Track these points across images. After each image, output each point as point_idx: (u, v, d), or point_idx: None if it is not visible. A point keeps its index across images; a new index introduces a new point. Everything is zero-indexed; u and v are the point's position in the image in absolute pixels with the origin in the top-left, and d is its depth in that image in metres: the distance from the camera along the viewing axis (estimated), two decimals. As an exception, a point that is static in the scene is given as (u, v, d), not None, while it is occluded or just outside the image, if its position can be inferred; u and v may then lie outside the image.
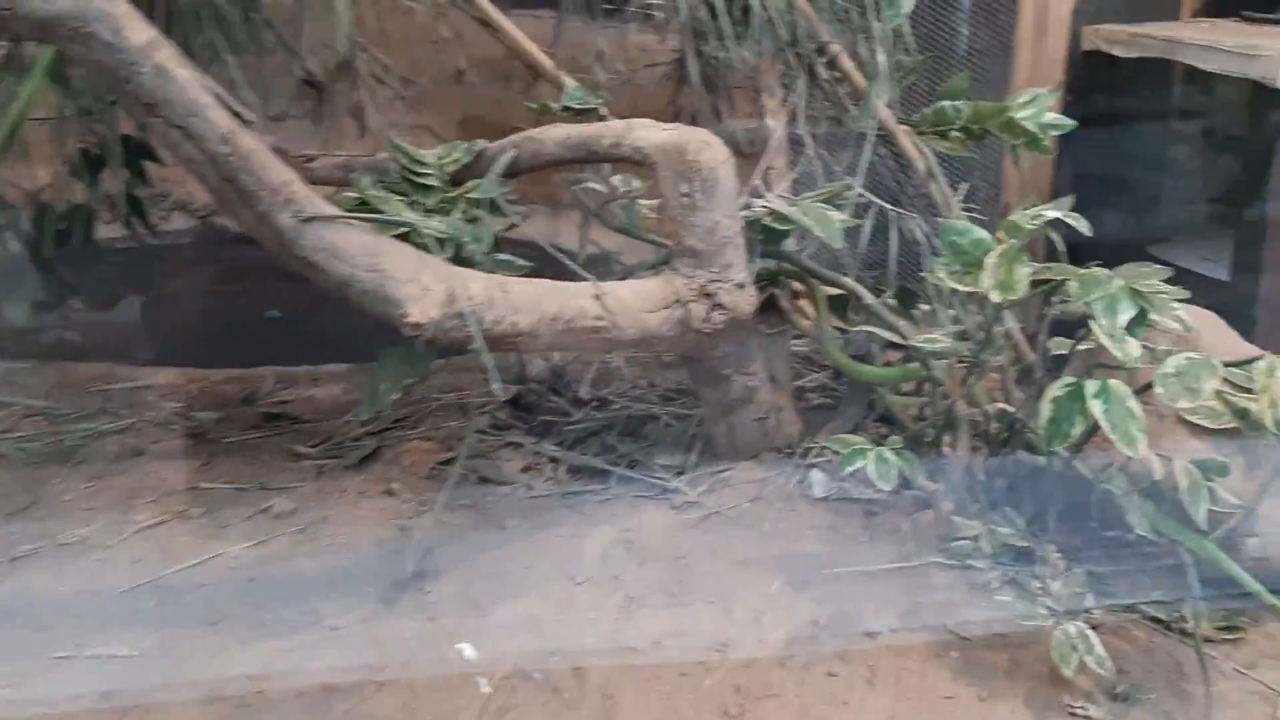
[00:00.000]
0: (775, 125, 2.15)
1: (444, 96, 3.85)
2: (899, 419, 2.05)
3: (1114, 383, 1.55)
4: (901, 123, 2.27)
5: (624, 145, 1.82)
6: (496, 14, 2.64)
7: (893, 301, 2.12)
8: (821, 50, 2.07)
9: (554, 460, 2.23)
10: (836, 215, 1.85)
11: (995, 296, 1.53)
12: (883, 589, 1.80)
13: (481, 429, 2.43)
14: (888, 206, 1.97)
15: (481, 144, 2.01)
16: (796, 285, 2.14)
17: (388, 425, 2.44)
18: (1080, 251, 2.75)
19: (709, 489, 2.06)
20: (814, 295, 2.08)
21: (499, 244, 2.01)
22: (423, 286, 1.54)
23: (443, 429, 2.42)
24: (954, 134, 2.29)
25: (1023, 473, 1.88)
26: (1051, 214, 1.51)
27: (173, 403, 2.61)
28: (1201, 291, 2.38)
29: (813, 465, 2.03)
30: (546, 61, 2.49)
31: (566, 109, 2.07)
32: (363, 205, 1.83)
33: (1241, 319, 2.17)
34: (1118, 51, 2.48)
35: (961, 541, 1.83)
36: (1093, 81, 2.60)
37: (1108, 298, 1.54)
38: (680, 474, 2.08)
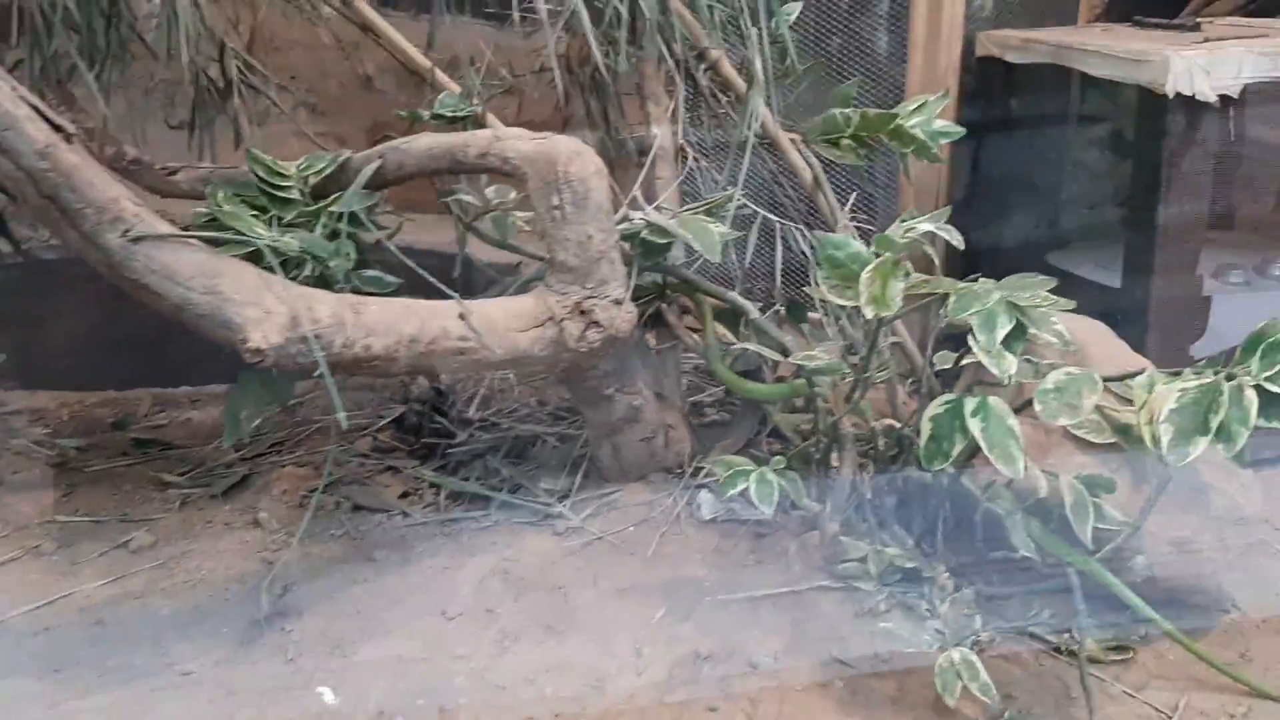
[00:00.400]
0: (660, 134, 2.07)
1: (352, 103, 3.74)
2: (788, 436, 1.99)
3: (993, 400, 1.49)
4: (792, 131, 2.21)
5: (490, 155, 1.73)
6: (377, 18, 2.55)
7: (783, 313, 2.06)
8: (701, 56, 2.00)
9: (434, 485, 2.13)
10: (717, 228, 1.77)
11: (869, 312, 1.46)
12: (768, 616, 1.73)
13: (363, 453, 2.33)
14: (772, 218, 1.91)
15: (346, 154, 1.91)
16: (687, 299, 2.08)
17: (263, 450, 2.33)
18: (981, 259, 2.73)
19: (593, 513, 1.98)
20: (700, 309, 2.01)
21: (366, 260, 1.92)
22: (264, 310, 1.44)
23: (321, 453, 2.31)
24: (845, 142, 2.24)
25: (912, 490, 1.83)
26: (925, 227, 1.45)
27: (40, 429, 2.47)
28: (1095, 298, 2.37)
29: (702, 486, 1.96)
30: (425, 64, 2.40)
31: (438, 117, 1.98)
32: (213, 222, 1.72)
33: (1132, 326, 2.14)
34: (1011, 57, 2.45)
35: (849, 563, 1.77)
36: (988, 88, 2.57)
37: (985, 313, 1.48)
38: (564, 498, 2.00)
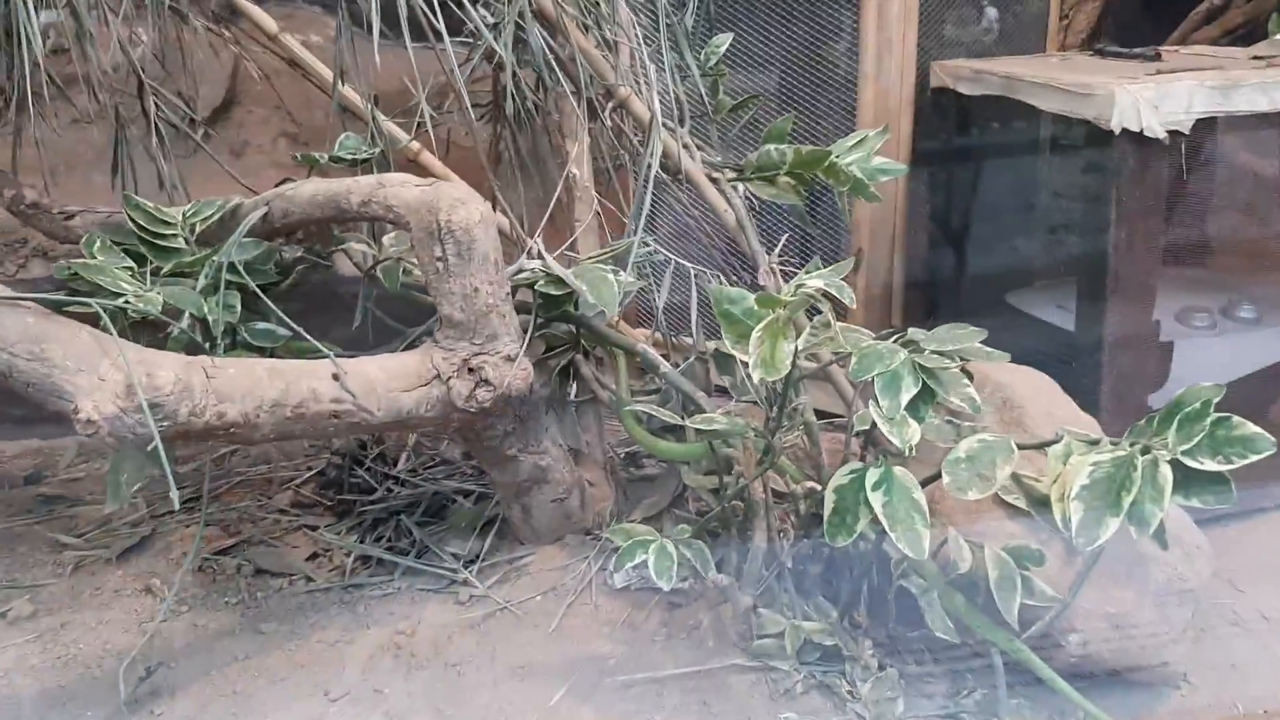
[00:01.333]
0: (578, 173, 1.96)
1: (336, 132, 3.66)
2: (702, 498, 1.86)
3: (899, 471, 1.36)
4: (722, 169, 2.09)
5: (374, 203, 1.62)
6: (301, 52, 2.45)
7: (708, 364, 1.94)
8: (609, 94, 1.88)
9: (346, 546, 2.02)
10: (617, 278, 1.65)
11: (757, 375, 1.34)
12: (675, 698, 1.60)
13: (282, 508, 2.22)
14: (684, 264, 1.79)
15: (235, 200, 1.81)
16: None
17: (175, 507, 2.22)
18: (940, 299, 2.60)
19: (501, 579, 1.86)
20: (613, 360, 1.89)
21: (260, 311, 1.81)
22: (98, 377, 1.33)
23: (234, 509, 2.20)
24: (782, 180, 2.12)
25: (836, 557, 1.69)
26: (814, 284, 1.32)
27: (-52, 483, 2.37)
28: (1052, 342, 2.23)
29: (615, 550, 1.83)
30: (356, 99, 2.30)
31: (337, 160, 1.87)
32: (76, 276, 1.61)
33: (1087, 374, 2.00)
34: (963, 89, 2.32)
35: (765, 639, 1.64)
36: (943, 120, 2.44)
37: (888, 375, 1.35)
38: (471, 563, 1.88)
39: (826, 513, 1.40)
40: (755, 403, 1.75)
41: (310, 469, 2.33)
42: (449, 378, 1.60)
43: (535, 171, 2.24)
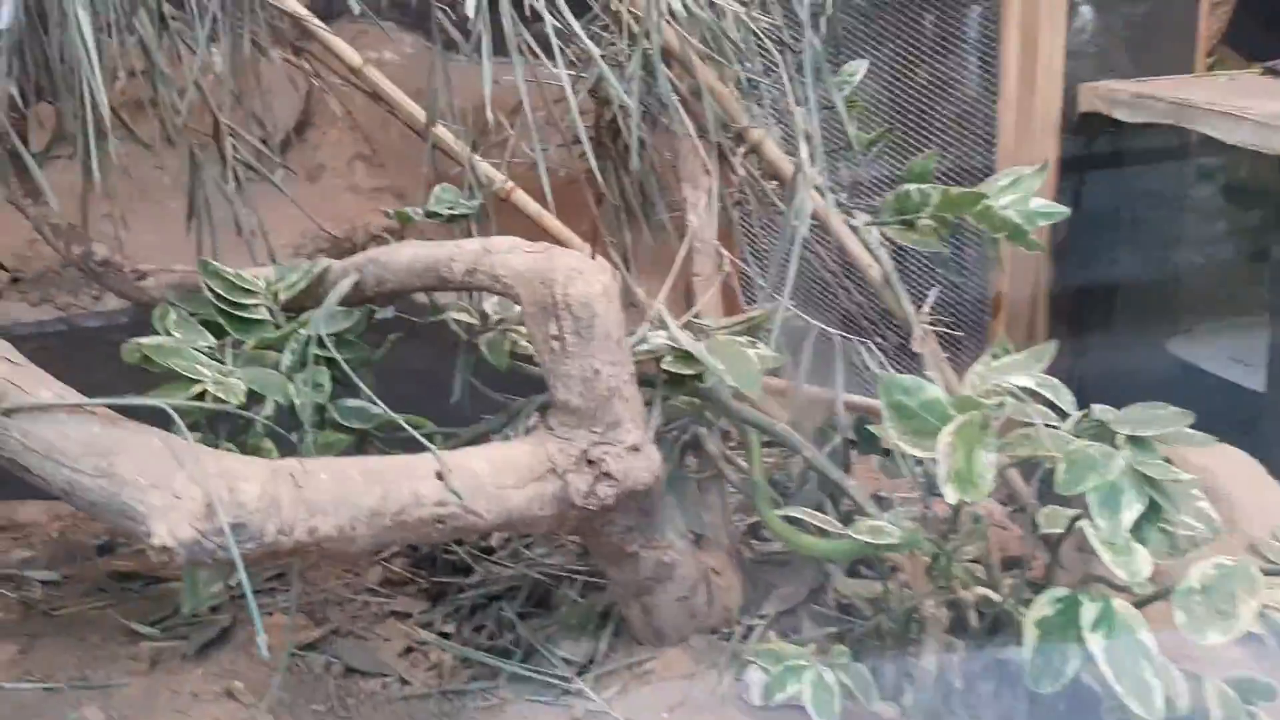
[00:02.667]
0: (700, 224, 1.74)
1: (414, 154, 3.49)
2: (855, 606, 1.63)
3: (1120, 608, 1.12)
4: (856, 212, 1.86)
5: (479, 272, 1.42)
6: (390, 87, 2.27)
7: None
8: (740, 138, 1.66)
9: (443, 635, 1.82)
10: (758, 353, 1.43)
11: (951, 495, 1.11)
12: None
13: (371, 586, 2.03)
14: (830, 331, 1.56)
15: (324, 264, 1.62)
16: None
17: (259, 585, 2.04)
18: (1091, 349, 2.34)
19: (620, 690, 1.64)
20: (745, 436, 1.67)
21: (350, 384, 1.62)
22: (172, 494, 1.14)
23: (323, 590, 2.01)
24: (923, 223, 1.88)
25: (1012, 673, 1.45)
26: (1019, 381, 1.09)
27: (20, 552, 2.22)
28: (1229, 402, 1.97)
29: (751, 660, 1.60)
30: (450, 138, 2.12)
31: (433, 215, 1.68)
32: (149, 358, 1.43)
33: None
34: (1119, 114, 2.07)
35: (934, 775, 1.41)
36: (1094, 150, 2.19)
37: (1105, 488, 1.12)
38: (585, 670, 1.67)
39: (1027, 649, 1.17)
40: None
41: (399, 538, 2.14)
42: (566, 471, 1.40)
43: (641, 215, 2.03)
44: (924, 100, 2.24)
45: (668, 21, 1.47)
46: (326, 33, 2.20)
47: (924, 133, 2.25)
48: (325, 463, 1.29)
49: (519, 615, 1.82)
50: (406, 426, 1.41)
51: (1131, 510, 1.11)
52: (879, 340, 1.72)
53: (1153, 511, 1.12)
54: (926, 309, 1.69)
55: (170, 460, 1.17)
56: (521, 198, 2.29)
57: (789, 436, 1.52)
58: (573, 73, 1.81)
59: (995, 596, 1.43)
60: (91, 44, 1.75)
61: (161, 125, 2.26)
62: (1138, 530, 1.11)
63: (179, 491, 1.15)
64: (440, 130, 2.16)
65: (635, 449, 1.41)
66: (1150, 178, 2.17)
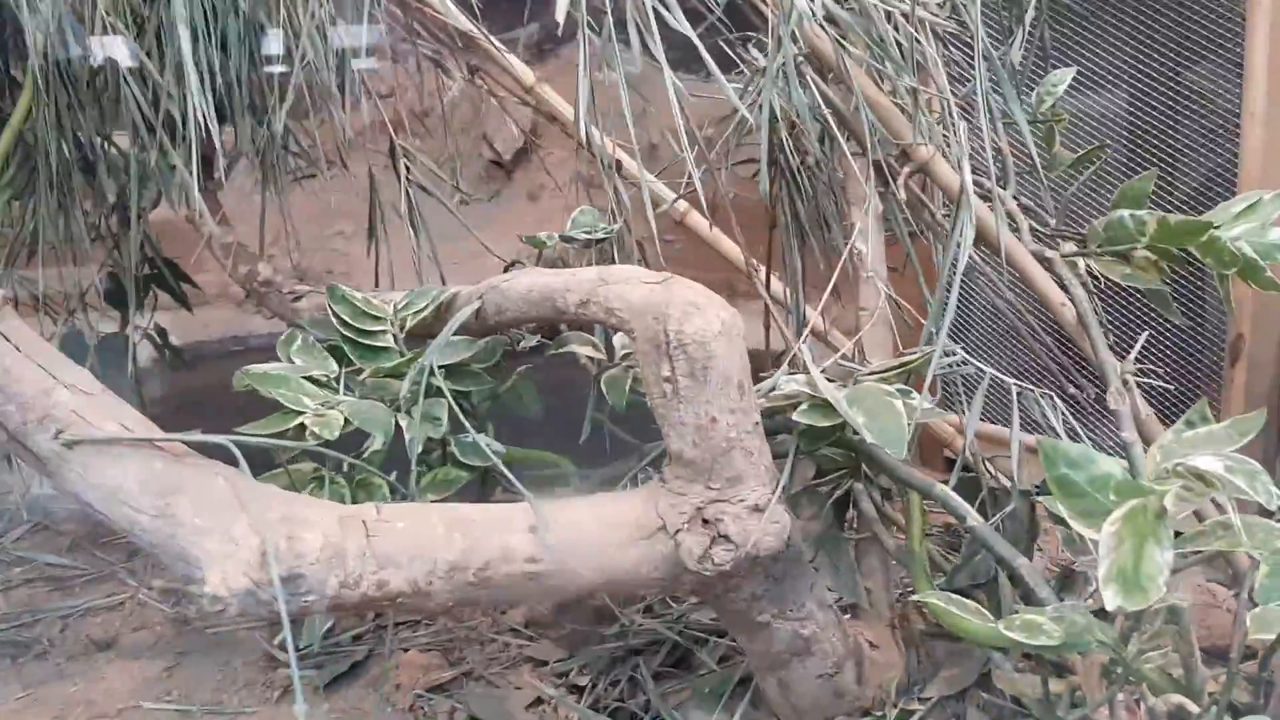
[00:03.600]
0: (864, 251, 1.55)
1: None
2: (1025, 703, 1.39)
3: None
4: (1059, 242, 1.62)
5: (593, 304, 1.29)
6: (562, 104, 2.18)
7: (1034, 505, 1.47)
8: (906, 155, 1.46)
9: (575, 689, 1.70)
10: (909, 404, 1.23)
11: (1110, 600, 0.88)
12: None
13: (514, 626, 1.93)
14: (1005, 380, 1.33)
15: (451, 291, 1.53)
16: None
17: (401, 619, 1.98)
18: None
19: (749, 771, 1.47)
20: (905, 498, 1.47)
21: (477, 415, 1.53)
22: (230, 539, 1.06)
23: (464, 625, 1.93)
24: (1139, 256, 1.62)
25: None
26: (1209, 466, 0.85)
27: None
28: None
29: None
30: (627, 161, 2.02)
31: (569, 240, 1.56)
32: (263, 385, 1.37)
33: None
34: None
35: None
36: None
37: (1326, 605, 0.86)
38: (713, 744, 1.50)
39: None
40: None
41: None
42: (678, 530, 1.24)
43: (816, 241, 1.85)
44: (1153, 117, 1.95)
45: (818, 24, 1.29)
46: (503, 52, 2.14)
47: (1154, 155, 1.96)
48: (407, 509, 1.18)
49: (655, 675, 1.67)
50: (503, 470, 1.29)
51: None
52: (1074, 391, 1.47)
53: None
54: (1132, 357, 1.43)
55: (233, 503, 1.09)
56: (696, 220, 2.15)
57: (949, 499, 1.31)
58: (736, 84, 1.66)
59: (1193, 708, 1.17)
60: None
61: (339, 156, 2.27)
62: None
63: (237, 538, 1.07)
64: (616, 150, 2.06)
65: (758, 510, 1.24)
66: None
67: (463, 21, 2.12)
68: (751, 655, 1.46)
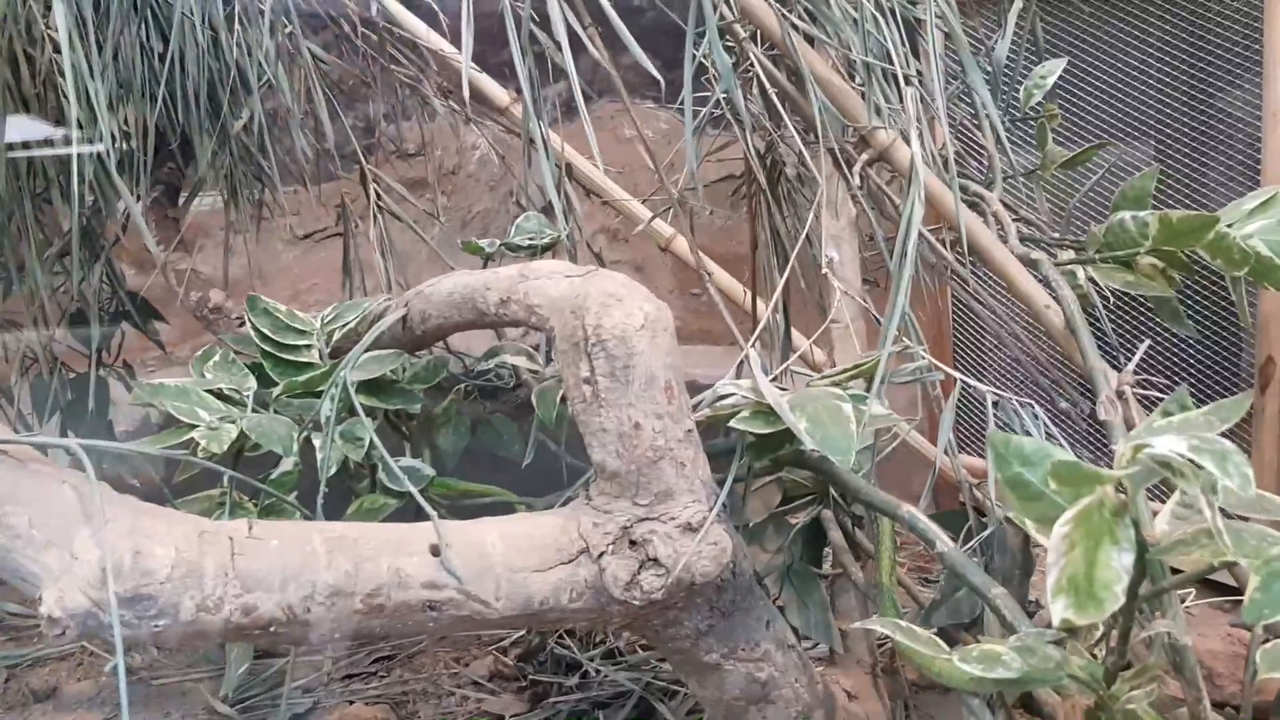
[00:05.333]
0: (836, 257, 1.42)
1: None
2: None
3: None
4: (1050, 248, 1.48)
5: (514, 302, 1.16)
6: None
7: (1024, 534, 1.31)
8: (865, 142, 1.32)
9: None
10: (858, 410, 1.08)
11: (1058, 612, 0.73)
12: None
13: (477, 679, 1.79)
14: (976, 385, 1.18)
15: (383, 303, 1.41)
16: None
17: (360, 669, 1.84)
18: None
19: (706, 838, 1.30)
20: (876, 527, 1.31)
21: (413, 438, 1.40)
22: (70, 555, 0.93)
23: (422, 676, 1.79)
24: (1143, 261, 1.47)
25: None
26: (1170, 446, 0.70)
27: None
28: None
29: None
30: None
31: (513, 249, 1.44)
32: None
33: None
34: None
35: None
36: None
37: (1326, 619, 0.70)
38: (666, 804, 1.34)
39: None
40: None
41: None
42: (601, 553, 1.09)
43: (801, 258, 1.72)
44: (1164, 116, 1.80)
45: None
46: (474, 70, 2.05)
47: (1165, 158, 1.81)
48: (285, 527, 1.05)
49: (617, 727, 1.52)
50: (413, 489, 1.15)
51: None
52: (1066, 406, 1.32)
53: None
54: (1131, 368, 1.28)
55: (78, 512, 0.96)
56: (681, 245, 2.03)
57: (915, 521, 1.15)
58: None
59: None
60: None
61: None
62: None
63: (77, 552, 0.94)
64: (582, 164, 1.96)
65: (691, 529, 1.09)
66: None
67: (435, 41, 2.05)
68: (704, 703, 1.30)
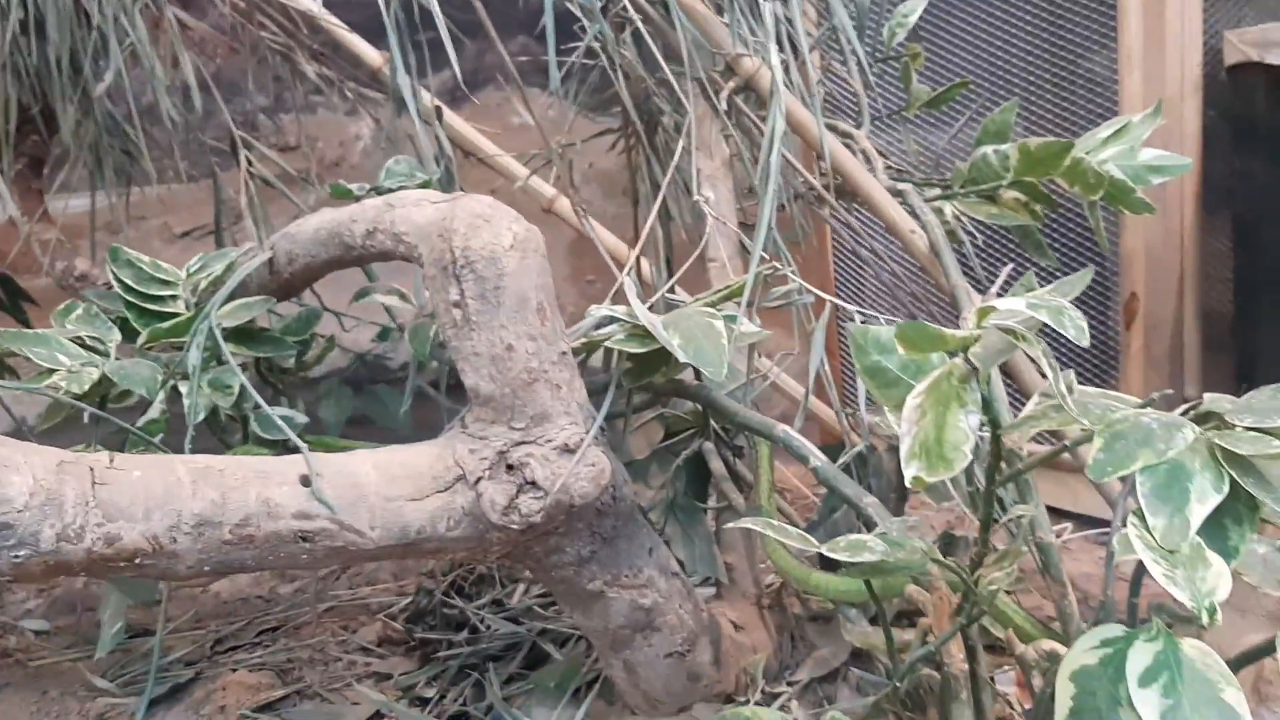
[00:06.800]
0: (712, 196, 1.43)
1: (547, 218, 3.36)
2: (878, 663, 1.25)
3: (1189, 648, 0.72)
4: (920, 184, 1.51)
5: (380, 233, 1.15)
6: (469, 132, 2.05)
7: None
8: (731, 70, 1.34)
9: (420, 702, 1.53)
10: (730, 327, 1.10)
11: (910, 474, 0.75)
12: None
13: (366, 645, 1.76)
14: (843, 305, 1.20)
15: (248, 247, 1.39)
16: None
17: (245, 642, 1.80)
18: (1258, 366, 1.88)
19: (593, 772, 1.30)
20: (755, 449, 1.33)
21: (284, 389, 1.37)
22: (-83, 485, 0.90)
23: (308, 644, 1.75)
24: (1008, 195, 1.51)
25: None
26: (1014, 309, 0.72)
27: (29, 600, 2.07)
28: None
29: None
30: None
31: (381, 192, 1.42)
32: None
33: None
34: (1275, 59, 1.64)
35: None
36: (1249, 110, 1.76)
37: (1162, 472, 0.73)
38: (554, 744, 1.34)
39: (1059, 717, 0.77)
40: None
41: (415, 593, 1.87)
42: (478, 479, 1.09)
43: (678, 203, 1.73)
44: (1025, 64, 1.85)
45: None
46: (348, 30, 2.01)
47: (1029, 107, 1.86)
48: (148, 459, 1.02)
49: (509, 679, 1.50)
50: (292, 436, 1.13)
51: (1204, 501, 0.72)
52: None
53: (1239, 503, 0.72)
54: (995, 290, 1.31)
55: (-76, 445, 0.93)
56: (564, 206, 2.03)
57: (790, 440, 1.17)
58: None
59: (1063, 650, 1.02)
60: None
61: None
62: (1215, 532, 0.72)
63: (-76, 482, 0.90)
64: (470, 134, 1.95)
65: (569, 450, 1.09)
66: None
67: (304, 3, 2.01)
68: (591, 635, 1.30)
